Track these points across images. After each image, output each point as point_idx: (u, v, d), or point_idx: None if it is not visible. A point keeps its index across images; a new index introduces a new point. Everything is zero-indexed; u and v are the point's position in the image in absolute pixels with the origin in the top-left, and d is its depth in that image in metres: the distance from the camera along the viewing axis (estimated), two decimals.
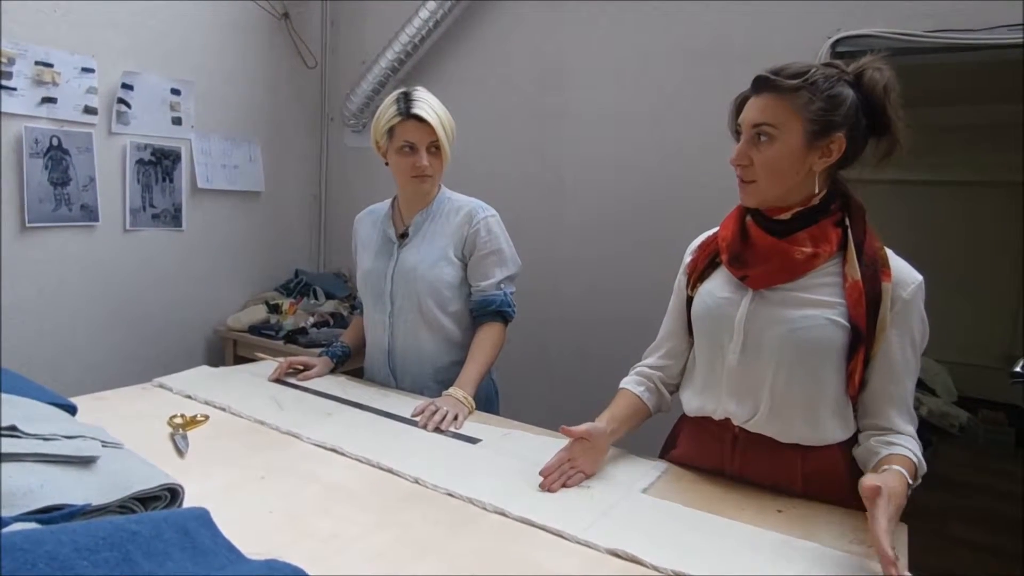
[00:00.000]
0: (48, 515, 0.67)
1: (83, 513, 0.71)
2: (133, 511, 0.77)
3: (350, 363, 1.80)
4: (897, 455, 1.00)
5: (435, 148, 1.55)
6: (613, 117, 2.50)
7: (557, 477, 1.09)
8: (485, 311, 1.60)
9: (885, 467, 0.97)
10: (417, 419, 1.39)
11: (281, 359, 1.72)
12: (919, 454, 1.01)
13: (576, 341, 2.61)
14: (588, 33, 2.53)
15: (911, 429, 1.05)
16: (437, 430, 1.35)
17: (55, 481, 0.71)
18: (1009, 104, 4.03)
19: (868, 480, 0.86)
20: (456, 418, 1.39)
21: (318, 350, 1.92)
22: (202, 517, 0.66)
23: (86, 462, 0.77)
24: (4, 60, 2.09)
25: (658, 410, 1.29)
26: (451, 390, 1.48)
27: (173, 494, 0.82)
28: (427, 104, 1.52)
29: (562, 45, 2.60)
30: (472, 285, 1.61)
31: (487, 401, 1.64)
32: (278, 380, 1.63)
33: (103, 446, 0.82)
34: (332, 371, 1.73)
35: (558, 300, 2.61)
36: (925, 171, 4.72)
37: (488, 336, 1.59)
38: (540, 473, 1.10)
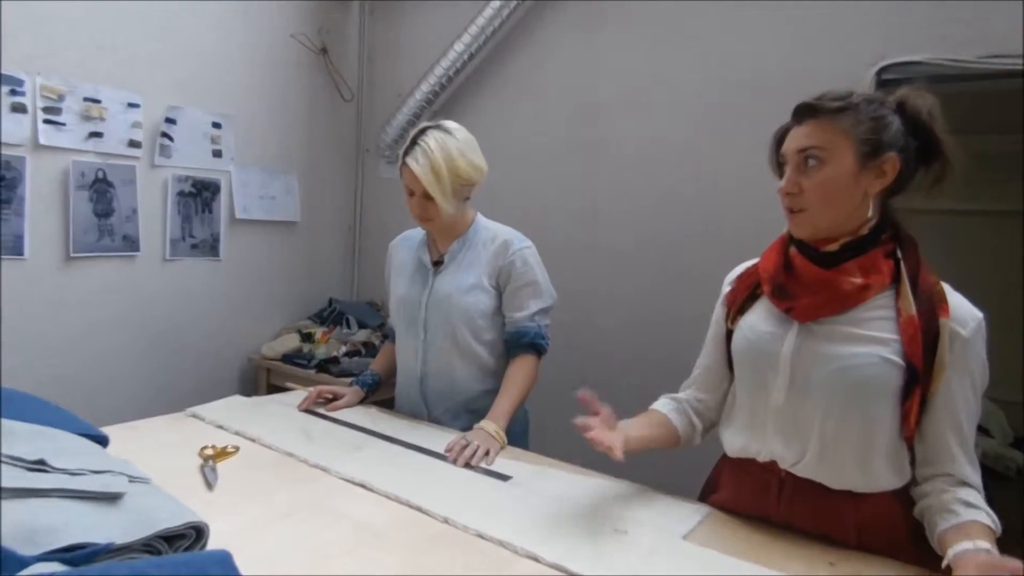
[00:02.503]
0: (71, 554, 0.65)
1: (107, 552, 0.69)
2: (158, 549, 0.75)
3: (380, 393, 1.78)
4: (980, 525, 0.92)
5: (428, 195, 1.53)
6: (649, 149, 2.48)
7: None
8: (519, 343, 1.57)
9: (970, 544, 0.89)
10: (448, 454, 1.36)
11: (312, 389, 1.71)
12: (994, 516, 0.94)
13: (610, 374, 2.55)
14: (622, 64, 2.52)
15: (977, 479, 0.98)
16: (468, 466, 1.31)
17: (80, 519, 0.70)
18: None
19: None
20: (487, 453, 1.35)
21: (349, 379, 1.91)
22: (224, 562, 0.64)
23: (112, 499, 0.76)
24: (54, 96, 2.18)
25: (688, 440, 1.23)
26: (483, 423, 1.45)
27: (198, 532, 0.80)
28: (424, 150, 1.50)
29: (596, 77, 2.60)
30: (506, 316, 1.59)
31: (517, 435, 1.59)
32: (308, 410, 1.62)
33: (130, 481, 0.80)
34: (362, 400, 1.71)
35: (592, 332, 2.57)
36: (972, 201, 4.55)
37: (521, 369, 1.57)
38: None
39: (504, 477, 1.27)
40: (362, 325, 3.07)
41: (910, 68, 1.95)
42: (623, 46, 2.52)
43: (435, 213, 1.55)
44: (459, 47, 2.74)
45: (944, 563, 0.90)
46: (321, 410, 1.63)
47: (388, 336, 1.82)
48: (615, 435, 1.07)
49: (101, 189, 2.32)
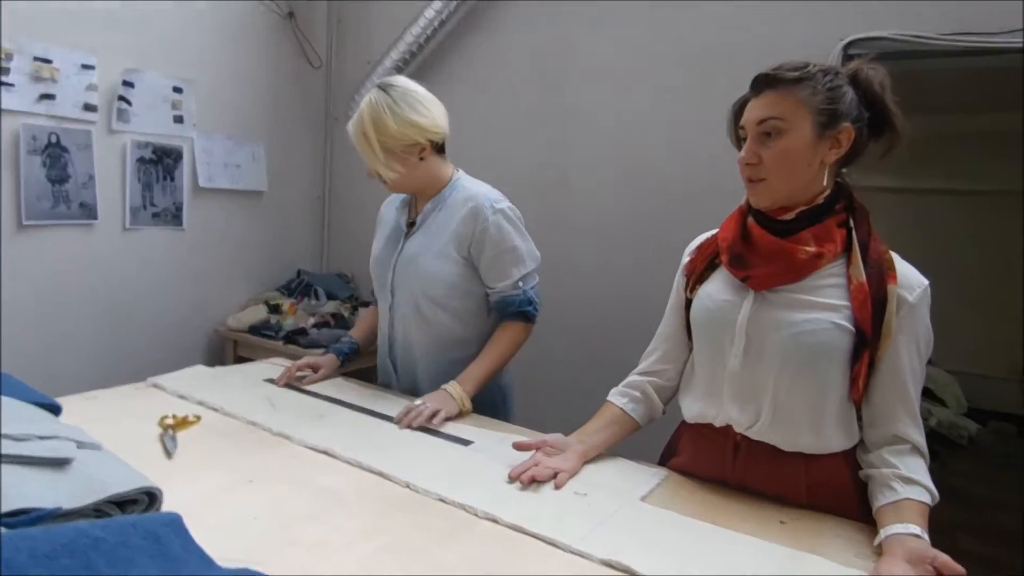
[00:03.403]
0: (15, 519, 0.64)
1: (53, 517, 0.68)
2: (108, 515, 0.74)
3: (361, 361, 1.74)
4: (914, 503, 0.95)
5: None
6: (620, 120, 2.47)
7: (522, 471, 1.10)
8: (505, 312, 1.53)
9: (902, 527, 0.92)
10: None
11: (290, 363, 1.66)
12: (932, 486, 0.98)
13: (583, 346, 2.57)
14: (595, 35, 2.50)
15: (920, 439, 1.01)
16: (428, 431, 1.31)
17: (24, 484, 0.68)
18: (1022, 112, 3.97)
19: None
20: (436, 415, 1.34)
21: (319, 351, 1.88)
22: (174, 523, 0.63)
23: (59, 464, 0.74)
24: (2, 56, 2.08)
25: (649, 420, 1.26)
26: (447, 385, 1.43)
27: (151, 498, 0.79)
28: (358, 113, 1.44)
29: (569, 47, 2.57)
30: (489, 286, 1.53)
31: (491, 407, 1.54)
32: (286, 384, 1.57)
33: (79, 447, 0.79)
34: (341, 366, 1.67)
35: (565, 304, 2.57)
36: (935, 180, 4.66)
37: (504, 335, 1.52)
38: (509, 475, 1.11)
39: (465, 442, 1.28)
40: (331, 296, 3.05)
41: (875, 44, 1.96)
42: (595, 17, 2.50)
43: (383, 176, 1.48)
44: (429, 13, 2.69)
45: (876, 542, 0.94)
46: (300, 384, 1.58)
47: (374, 299, 1.74)
48: (559, 461, 1.13)
49: (55, 154, 2.24)
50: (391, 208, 1.67)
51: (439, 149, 1.52)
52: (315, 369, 1.62)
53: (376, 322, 1.71)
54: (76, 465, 0.76)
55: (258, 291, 3.07)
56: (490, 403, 1.54)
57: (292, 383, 1.58)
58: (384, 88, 1.44)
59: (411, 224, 1.58)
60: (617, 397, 1.26)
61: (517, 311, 1.52)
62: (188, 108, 2.65)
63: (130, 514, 0.77)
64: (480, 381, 1.47)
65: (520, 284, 1.52)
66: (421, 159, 1.48)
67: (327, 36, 3.21)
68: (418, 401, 1.39)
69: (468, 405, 1.43)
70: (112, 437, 1.00)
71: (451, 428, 1.36)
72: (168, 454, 1.15)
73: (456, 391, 1.42)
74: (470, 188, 1.54)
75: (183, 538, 0.63)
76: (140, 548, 0.57)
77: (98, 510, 0.73)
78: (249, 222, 2.99)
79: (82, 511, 0.72)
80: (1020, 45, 1.78)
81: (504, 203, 1.53)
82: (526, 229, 1.57)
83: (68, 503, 0.70)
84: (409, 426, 1.32)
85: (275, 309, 2.87)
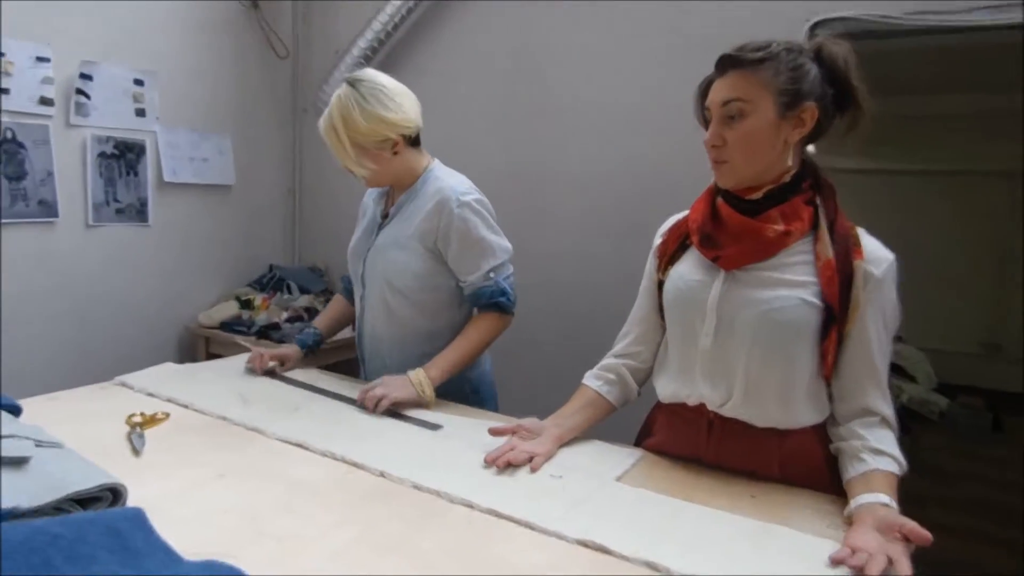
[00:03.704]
0: None
1: (12, 517, 0.66)
2: (70, 513, 0.72)
3: (340, 354, 1.72)
4: (883, 473, 0.97)
5: None
6: (592, 108, 2.46)
7: (498, 455, 1.10)
8: (478, 303, 1.52)
9: (871, 497, 0.93)
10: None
11: (258, 349, 1.64)
12: (900, 456, 0.99)
13: (564, 334, 2.56)
14: (566, 24, 2.48)
15: (889, 412, 1.03)
16: (400, 416, 1.31)
17: None
18: (996, 92, 4.06)
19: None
20: (380, 401, 1.33)
21: None
22: (136, 518, 0.62)
23: (17, 463, 0.72)
24: None
25: (624, 402, 1.26)
26: (412, 370, 1.41)
27: (115, 494, 0.77)
28: (326, 115, 1.43)
29: (540, 35, 2.55)
30: (460, 280, 1.51)
31: (460, 399, 1.51)
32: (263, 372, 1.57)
33: (37, 446, 0.77)
34: (304, 357, 1.65)
35: (544, 293, 2.56)
36: (907, 160, 4.75)
37: (475, 325, 1.50)
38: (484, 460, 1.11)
39: (434, 427, 1.28)
40: (304, 290, 3.01)
41: (842, 23, 1.98)
42: (565, 6, 2.48)
43: (359, 171, 1.46)
44: (397, 1, 2.65)
45: (846, 512, 0.95)
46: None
47: (347, 288, 1.72)
48: (534, 444, 1.13)
49: (11, 150, 2.17)
50: (372, 200, 1.64)
51: (413, 141, 1.50)
52: (282, 362, 1.60)
53: (342, 311, 1.71)
54: (34, 464, 0.74)
55: (230, 287, 3.01)
56: (458, 394, 1.51)
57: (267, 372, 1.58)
58: (353, 83, 1.42)
59: (386, 215, 1.57)
60: (592, 380, 1.26)
61: (490, 302, 1.50)
62: (150, 101, 2.58)
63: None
64: (446, 369, 1.44)
65: (492, 275, 1.49)
66: (395, 153, 1.46)
67: (293, 25, 3.15)
68: (373, 383, 1.38)
69: (429, 392, 1.40)
70: (77, 437, 0.98)
71: (425, 414, 1.35)
72: (136, 452, 1.12)
73: (417, 377, 1.40)
74: (440, 180, 1.51)
75: (145, 532, 0.62)
76: (100, 544, 0.55)
77: (59, 508, 0.71)
78: (217, 217, 2.93)
79: (42, 510, 0.70)
80: (981, 22, 1.81)
81: (471, 195, 1.49)
82: (502, 218, 1.55)
83: (27, 502, 0.68)
84: (398, 416, 1.31)
85: (247, 304, 2.83)
